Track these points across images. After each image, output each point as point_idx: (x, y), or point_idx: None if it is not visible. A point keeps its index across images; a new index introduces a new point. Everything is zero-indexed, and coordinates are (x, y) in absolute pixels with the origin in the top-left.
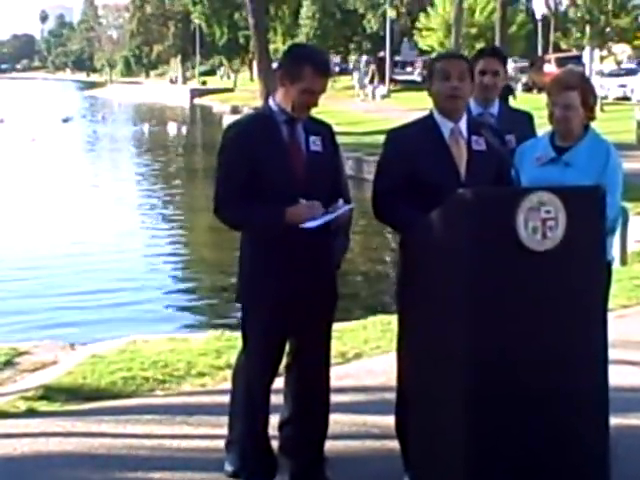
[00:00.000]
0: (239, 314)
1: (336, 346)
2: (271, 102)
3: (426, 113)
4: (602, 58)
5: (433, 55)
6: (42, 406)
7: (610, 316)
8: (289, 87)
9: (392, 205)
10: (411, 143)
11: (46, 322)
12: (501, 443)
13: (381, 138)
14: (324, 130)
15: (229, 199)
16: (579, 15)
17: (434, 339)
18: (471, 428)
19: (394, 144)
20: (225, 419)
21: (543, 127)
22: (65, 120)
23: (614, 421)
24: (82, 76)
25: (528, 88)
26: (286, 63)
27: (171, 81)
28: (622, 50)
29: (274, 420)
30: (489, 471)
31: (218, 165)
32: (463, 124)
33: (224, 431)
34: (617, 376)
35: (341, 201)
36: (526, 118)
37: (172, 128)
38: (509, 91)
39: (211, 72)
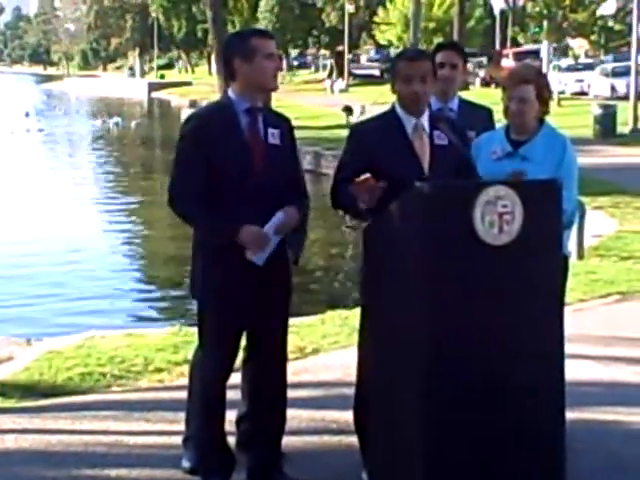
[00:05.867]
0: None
1: (294, 341)
2: (230, 93)
3: (387, 108)
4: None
5: (396, 50)
6: None
7: (567, 310)
8: (250, 66)
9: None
10: (374, 138)
11: (1, 318)
12: (459, 436)
13: (339, 132)
14: (283, 124)
15: (186, 193)
16: (537, 10)
17: (393, 332)
18: (429, 421)
19: (357, 138)
20: (182, 415)
21: (501, 122)
22: (27, 114)
23: (570, 415)
24: (39, 69)
25: (486, 83)
26: (236, 49)
27: (129, 74)
28: (579, 45)
29: (231, 415)
30: (447, 463)
31: (176, 156)
32: (425, 119)
33: (181, 427)
34: (573, 370)
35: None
36: (486, 113)
37: (114, 123)
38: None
39: (169, 65)
